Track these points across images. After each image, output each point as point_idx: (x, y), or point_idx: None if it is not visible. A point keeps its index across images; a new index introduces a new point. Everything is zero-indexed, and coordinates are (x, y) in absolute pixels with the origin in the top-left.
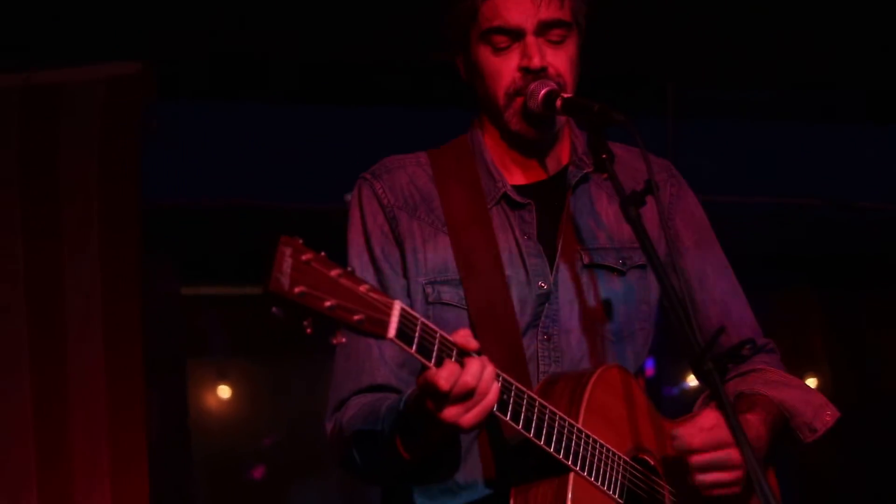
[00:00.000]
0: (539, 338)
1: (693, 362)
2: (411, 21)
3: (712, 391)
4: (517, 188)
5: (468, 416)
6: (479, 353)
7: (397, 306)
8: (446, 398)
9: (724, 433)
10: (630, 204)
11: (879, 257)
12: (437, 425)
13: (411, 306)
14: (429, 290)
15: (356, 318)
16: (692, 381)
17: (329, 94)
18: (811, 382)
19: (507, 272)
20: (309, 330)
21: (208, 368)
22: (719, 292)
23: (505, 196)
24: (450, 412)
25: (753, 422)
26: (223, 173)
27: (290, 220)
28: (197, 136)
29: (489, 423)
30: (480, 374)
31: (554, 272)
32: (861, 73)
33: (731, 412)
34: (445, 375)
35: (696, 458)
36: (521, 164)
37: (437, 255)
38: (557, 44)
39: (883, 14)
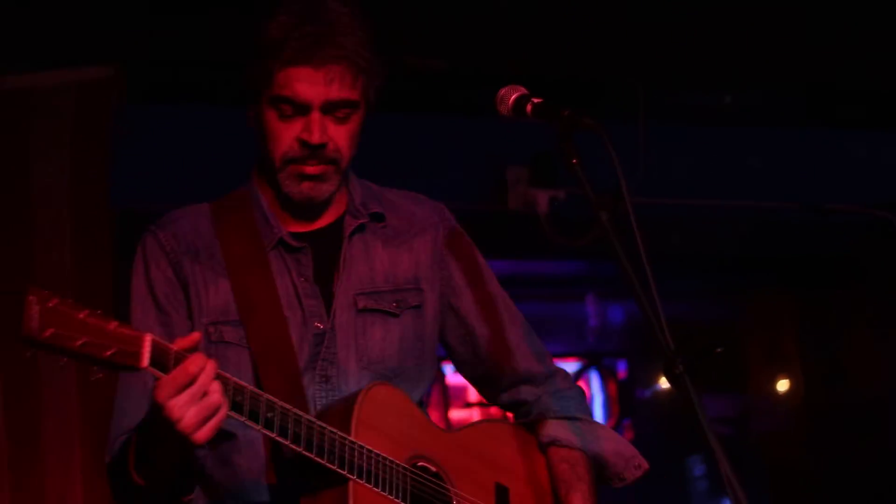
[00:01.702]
0: (317, 380)
1: (664, 365)
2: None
3: (682, 395)
4: (293, 234)
5: (193, 411)
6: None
7: (147, 337)
8: (171, 388)
9: None
10: (600, 208)
11: (851, 259)
12: (166, 434)
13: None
14: (211, 329)
15: (107, 353)
16: (664, 383)
17: None
18: (783, 384)
19: (286, 313)
20: (64, 360)
21: None
22: (497, 326)
23: (281, 241)
24: (177, 405)
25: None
26: (195, 177)
27: None
28: (168, 140)
29: (274, 446)
30: (202, 365)
31: (331, 315)
32: (831, 76)
33: (702, 414)
34: (172, 372)
35: None
36: (297, 216)
37: (219, 296)
38: (341, 121)
39: (854, 15)
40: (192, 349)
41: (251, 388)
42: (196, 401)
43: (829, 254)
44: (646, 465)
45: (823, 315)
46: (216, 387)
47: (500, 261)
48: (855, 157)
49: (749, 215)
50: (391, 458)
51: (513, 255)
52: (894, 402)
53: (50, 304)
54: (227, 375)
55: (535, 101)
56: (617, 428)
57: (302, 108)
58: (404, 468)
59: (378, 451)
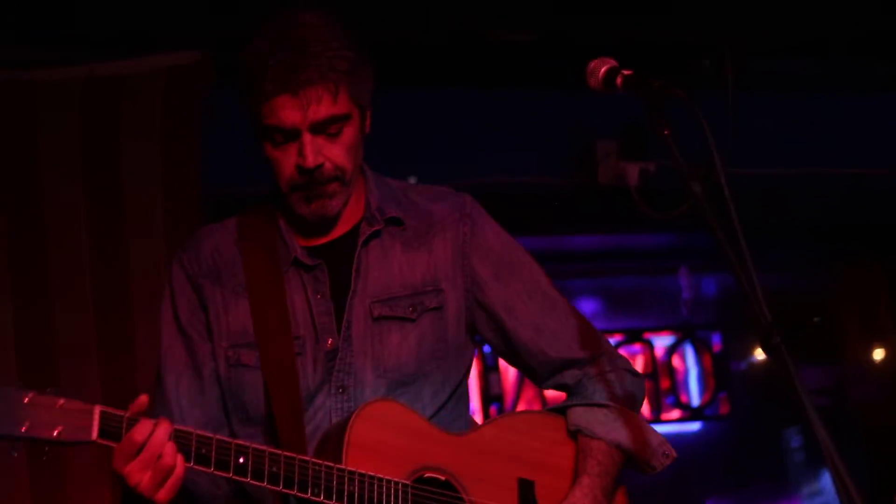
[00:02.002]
0: (332, 392)
1: (761, 336)
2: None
3: (780, 366)
4: (308, 249)
5: (148, 475)
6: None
7: (97, 409)
8: (123, 457)
9: None
10: (693, 179)
11: None
12: (134, 496)
13: (216, 370)
14: (230, 353)
15: (55, 432)
16: (759, 355)
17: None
18: (879, 353)
19: (301, 332)
20: (15, 454)
21: None
22: (528, 316)
23: (296, 260)
24: (131, 473)
25: (579, 498)
26: None
27: None
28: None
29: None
30: (150, 430)
31: (344, 328)
32: None
33: (799, 383)
34: (121, 442)
35: None
36: (313, 230)
37: (238, 319)
38: (334, 136)
39: None
40: (144, 412)
41: (219, 437)
42: (150, 465)
43: None
44: (674, 453)
45: None
46: (169, 448)
47: (591, 235)
48: None
49: (841, 183)
50: (388, 478)
51: (604, 230)
52: None
53: None
54: (190, 430)
55: (625, 73)
56: (713, 401)
57: (290, 134)
58: (403, 485)
59: (373, 473)
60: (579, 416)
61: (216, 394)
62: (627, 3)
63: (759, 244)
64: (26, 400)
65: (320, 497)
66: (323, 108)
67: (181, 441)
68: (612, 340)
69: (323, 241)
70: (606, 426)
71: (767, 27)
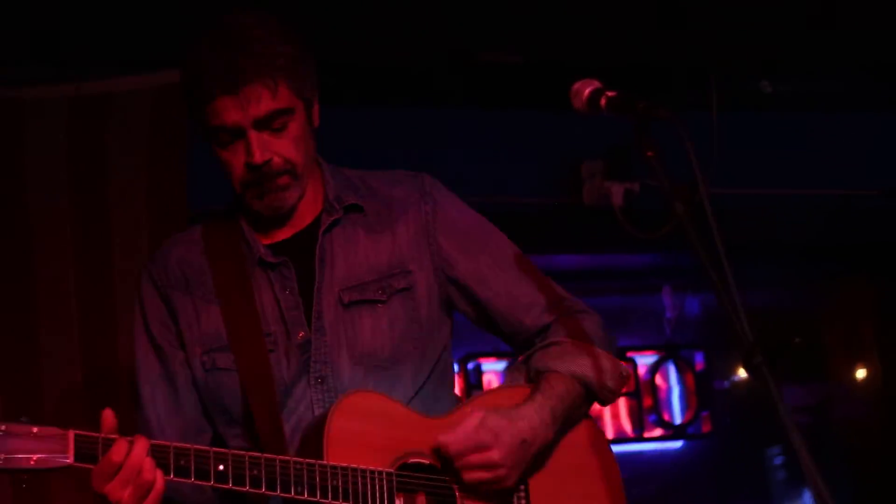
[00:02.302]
0: (311, 383)
1: (743, 356)
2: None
3: (762, 385)
4: (272, 247)
5: (128, 493)
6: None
7: (70, 434)
8: (101, 477)
9: (484, 435)
10: (676, 200)
11: None
12: None
13: (193, 378)
14: (205, 359)
15: (33, 460)
16: (741, 374)
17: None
18: (863, 372)
19: (271, 329)
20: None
21: None
22: (502, 284)
23: (260, 260)
24: (112, 491)
25: (527, 413)
26: None
27: None
28: None
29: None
30: (126, 450)
31: (314, 318)
32: None
33: (780, 403)
34: (99, 464)
35: (459, 462)
36: (275, 226)
37: (210, 324)
38: (279, 130)
39: None
40: (115, 429)
41: (197, 447)
42: (129, 482)
43: None
44: (629, 371)
45: None
46: (148, 464)
47: (576, 255)
48: None
49: (827, 203)
50: (371, 468)
51: (588, 249)
52: None
53: None
54: (167, 444)
55: (610, 94)
56: (695, 419)
57: (235, 132)
58: (388, 473)
59: (355, 465)
60: (537, 360)
61: (193, 400)
62: (614, 26)
63: (744, 263)
64: (0, 430)
65: (304, 495)
66: (263, 105)
67: (158, 455)
68: None
69: (285, 236)
70: (560, 359)
71: (753, 48)
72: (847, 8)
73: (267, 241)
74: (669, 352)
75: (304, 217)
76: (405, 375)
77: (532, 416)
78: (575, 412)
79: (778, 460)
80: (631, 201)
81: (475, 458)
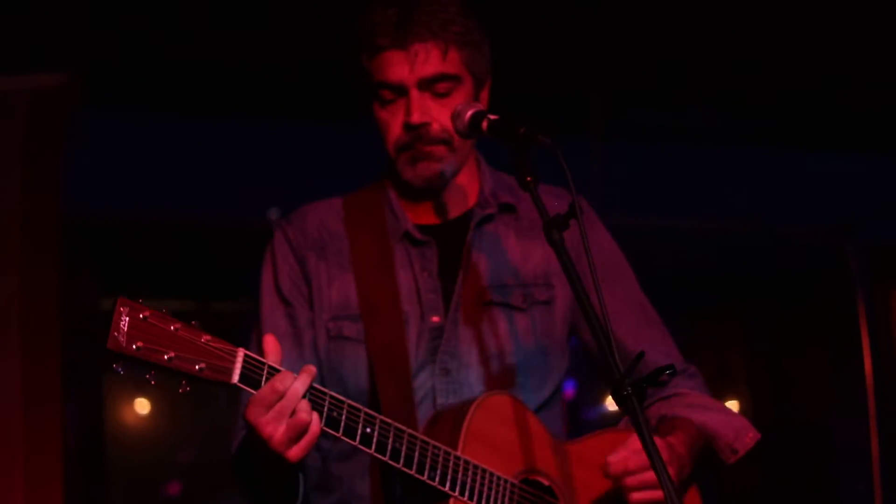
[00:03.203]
0: (436, 373)
1: (612, 387)
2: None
3: (630, 416)
4: (420, 227)
5: (282, 429)
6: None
7: (240, 353)
8: (259, 406)
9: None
10: (553, 227)
11: (800, 281)
12: (263, 449)
13: (315, 340)
14: (331, 325)
15: (197, 367)
16: (611, 405)
17: (255, 109)
18: (732, 405)
19: (405, 308)
20: (153, 382)
21: (126, 382)
22: (629, 325)
23: (406, 234)
24: (266, 422)
25: (675, 445)
26: (147, 185)
27: (212, 234)
28: (122, 148)
29: (372, 460)
30: (289, 382)
31: (452, 308)
32: (786, 97)
33: (648, 437)
34: (260, 390)
35: (631, 480)
36: (425, 207)
37: (342, 291)
38: (443, 96)
39: (809, 37)
40: (280, 362)
41: (350, 402)
42: (284, 418)
43: (779, 275)
44: (758, 435)
45: (771, 337)
46: (304, 405)
47: None
48: (808, 178)
49: (700, 235)
50: (498, 474)
51: None
52: (841, 425)
53: (140, 316)
54: (324, 390)
55: (492, 117)
56: None
57: (399, 89)
58: (512, 484)
59: (485, 466)
60: (658, 407)
61: (315, 363)
62: (497, 52)
63: None
64: (172, 328)
65: (435, 481)
66: (431, 65)
67: (315, 399)
68: None
69: (434, 221)
70: (689, 409)
71: (634, 77)
72: (731, 47)
73: (415, 222)
74: None
75: (456, 206)
76: (529, 387)
77: (680, 450)
78: (696, 464)
79: None
80: None
81: (648, 476)
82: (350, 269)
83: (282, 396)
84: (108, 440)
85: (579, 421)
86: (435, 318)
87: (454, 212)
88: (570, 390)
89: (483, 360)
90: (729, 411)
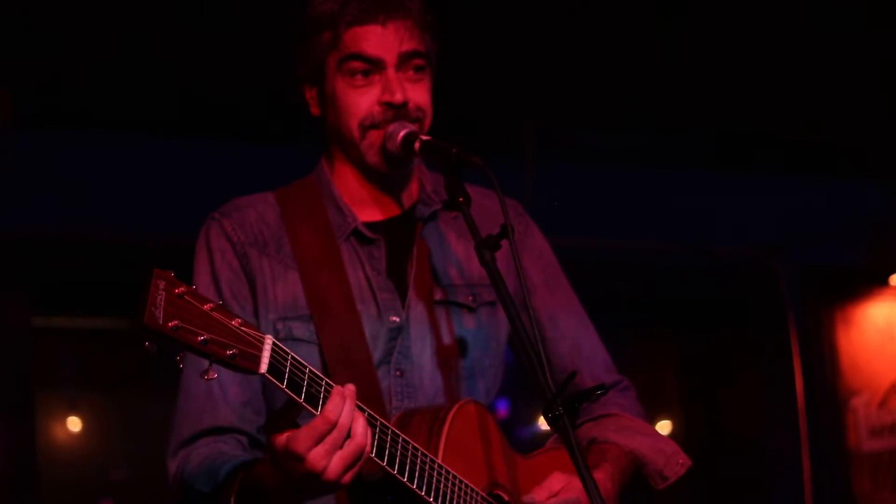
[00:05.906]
0: (392, 373)
1: (544, 407)
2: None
3: (562, 437)
4: (367, 224)
5: (336, 459)
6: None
7: (269, 341)
8: (310, 439)
9: (571, 496)
10: (485, 248)
11: (732, 301)
12: (291, 483)
13: None
14: (279, 326)
15: (229, 352)
16: (545, 424)
17: (187, 126)
18: (664, 425)
19: (358, 307)
20: (181, 365)
21: (59, 400)
22: (569, 329)
23: (355, 231)
24: (318, 455)
25: (601, 479)
26: (80, 204)
27: (143, 253)
28: (51, 166)
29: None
30: (340, 407)
31: (406, 307)
32: (714, 118)
33: (581, 460)
34: (313, 421)
35: None
36: (372, 200)
37: (287, 291)
38: (416, 79)
39: (738, 61)
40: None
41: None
42: (338, 447)
43: (711, 296)
44: (689, 461)
45: (704, 357)
46: (360, 425)
47: None
48: (738, 199)
49: (631, 256)
50: (472, 486)
51: None
52: (774, 444)
53: (177, 292)
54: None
55: (424, 138)
56: None
57: (376, 64)
58: (481, 498)
59: (462, 478)
60: (590, 428)
61: None
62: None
63: None
64: (205, 308)
65: (422, 491)
66: (408, 42)
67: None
68: None
69: (377, 217)
70: (619, 433)
71: (567, 100)
72: (663, 71)
73: (361, 217)
74: None
75: (400, 202)
76: (480, 392)
77: (606, 484)
78: (626, 496)
79: None
80: None
81: None
82: (294, 266)
83: (335, 425)
84: (39, 458)
85: (512, 440)
86: (394, 318)
87: (397, 208)
88: (503, 409)
89: (436, 362)
90: (660, 436)
